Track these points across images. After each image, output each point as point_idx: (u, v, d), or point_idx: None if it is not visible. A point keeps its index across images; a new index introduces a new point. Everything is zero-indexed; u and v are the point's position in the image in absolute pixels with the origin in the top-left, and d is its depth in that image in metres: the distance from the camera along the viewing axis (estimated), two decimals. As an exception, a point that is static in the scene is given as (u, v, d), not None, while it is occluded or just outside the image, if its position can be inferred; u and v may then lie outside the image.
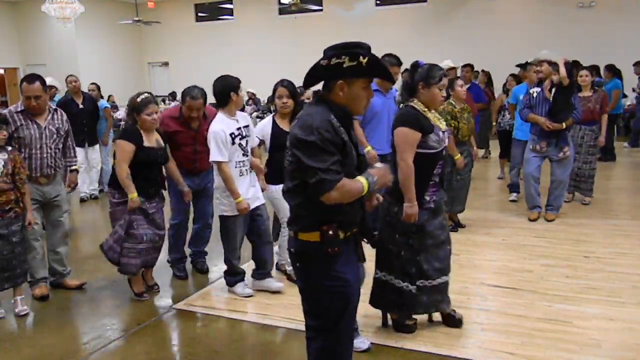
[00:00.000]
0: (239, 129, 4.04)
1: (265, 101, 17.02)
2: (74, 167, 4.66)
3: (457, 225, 5.87)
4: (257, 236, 4.30)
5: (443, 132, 3.34)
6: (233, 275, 4.33)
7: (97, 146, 8.08)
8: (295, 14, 17.12)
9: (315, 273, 2.40)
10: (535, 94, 5.84)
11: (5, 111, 4.16)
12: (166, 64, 20.60)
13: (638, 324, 3.63)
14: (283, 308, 4.01)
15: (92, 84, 8.80)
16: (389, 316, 3.66)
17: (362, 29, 16.72)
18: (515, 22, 14.89)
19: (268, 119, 4.35)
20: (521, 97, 6.43)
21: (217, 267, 4.94)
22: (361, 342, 3.36)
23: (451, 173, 5.41)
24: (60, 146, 4.41)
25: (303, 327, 3.68)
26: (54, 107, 4.38)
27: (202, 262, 4.98)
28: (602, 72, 10.17)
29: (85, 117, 7.72)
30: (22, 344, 3.73)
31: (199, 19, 19.82)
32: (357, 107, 2.37)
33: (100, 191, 8.36)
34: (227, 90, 3.98)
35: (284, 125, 4.23)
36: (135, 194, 3.99)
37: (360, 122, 4.79)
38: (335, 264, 2.37)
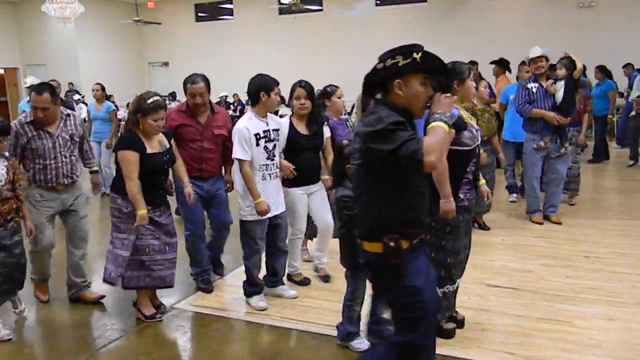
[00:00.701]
0: (266, 131, 3.86)
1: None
2: (94, 169, 4.52)
3: (482, 228, 5.79)
4: (273, 244, 4.12)
5: (476, 129, 3.30)
6: (251, 286, 4.09)
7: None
8: (295, 14, 17.12)
9: (385, 284, 2.37)
10: (534, 89, 5.75)
11: (14, 122, 3.98)
12: (166, 64, 20.60)
13: (638, 323, 3.63)
14: (283, 308, 4.01)
15: (97, 84, 8.49)
16: None
17: (362, 29, 16.75)
18: (515, 22, 14.89)
19: (285, 120, 4.21)
20: (511, 97, 6.34)
21: (217, 267, 4.94)
22: (360, 343, 3.36)
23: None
24: (76, 152, 4.18)
25: (303, 327, 3.72)
26: (66, 112, 4.14)
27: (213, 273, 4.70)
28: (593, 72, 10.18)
29: None
30: (22, 344, 3.73)
31: (199, 19, 19.83)
32: (417, 106, 2.34)
33: (103, 194, 7.81)
34: (258, 89, 3.82)
35: (301, 128, 4.14)
36: (145, 211, 3.62)
37: None
38: (404, 274, 2.31)
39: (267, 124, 3.89)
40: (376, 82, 2.36)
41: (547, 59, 5.79)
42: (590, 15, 14.06)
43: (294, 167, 4.07)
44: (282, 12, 17.87)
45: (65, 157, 4.05)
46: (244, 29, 18.61)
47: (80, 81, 18.21)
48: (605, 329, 3.56)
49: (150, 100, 3.63)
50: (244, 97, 16.57)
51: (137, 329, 3.83)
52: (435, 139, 2.17)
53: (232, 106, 15.97)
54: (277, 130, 3.97)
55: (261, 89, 3.81)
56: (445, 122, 2.22)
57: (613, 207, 6.69)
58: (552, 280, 4.39)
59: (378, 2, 16.95)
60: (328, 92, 4.66)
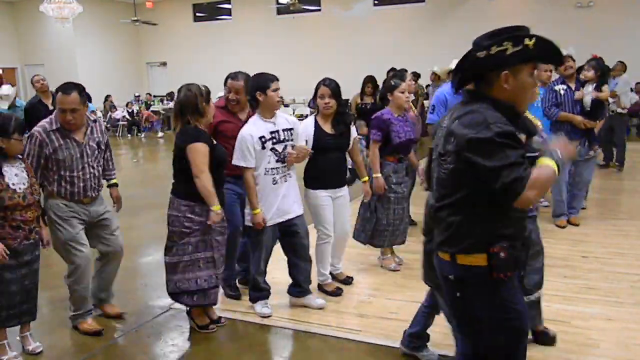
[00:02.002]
0: (273, 132, 3.68)
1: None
2: (113, 180, 4.03)
3: None
4: (292, 252, 3.90)
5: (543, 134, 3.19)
6: (256, 291, 3.93)
7: None
8: (294, 14, 17.14)
9: (481, 304, 2.05)
10: (562, 92, 5.54)
11: (37, 130, 3.52)
12: (164, 64, 20.60)
13: (636, 323, 3.63)
14: (283, 308, 4.01)
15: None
16: None
17: (360, 29, 16.77)
18: (514, 22, 14.64)
19: (310, 120, 4.07)
20: None
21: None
22: (429, 355, 3.33)
23: None
24: (102, 162, 3.82)
25: (303, 327, 3.72)
26: (92, 118, 3.77)
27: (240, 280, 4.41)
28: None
29: None
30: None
31: (197, 19, 19.83)
32: (523, 101, 2.04)
33: None
34: (253, 91, 3.69)
35: (327, 127, 4.01)
36: (219, 206, 3.39)
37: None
38: (505, 293, 2.03)
39: (275, 124, 3.72)
40: (475, 73, 2.03)
41: (572, 59, 5.63)
42: (588, 15, 14.09)
43: (318, 169, 3.97)
44: (280, 12, 17.89)
45: (93, 167, 3.67)
46: (242, 29, 18.62)
47: (78, 81, 18.03)
48: (604, 329, 3.56)
49: (204, 86, 3.47)
50: None
51: (137, 329, 3.82)
52: (543, 176, 1.87)
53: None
54: (289, 130, 3.78)
55: (255, 89, 3.67)
56: (557, 163, 1.93)
57: (612, 207, 6.70)
58: (550, 280, 4.37)
59: (376, 2, 16.97)
60: (391, 86, 4.46)
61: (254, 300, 3.95)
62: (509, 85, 1.95)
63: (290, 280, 4.02)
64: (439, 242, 2.13)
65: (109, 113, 17.26)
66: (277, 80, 3.72)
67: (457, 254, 2.03)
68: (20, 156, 3.32)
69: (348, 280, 4.39)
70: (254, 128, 3.67)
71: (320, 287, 4.25)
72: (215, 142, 3.50)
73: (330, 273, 4.36)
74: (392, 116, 4.42)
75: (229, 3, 19.12)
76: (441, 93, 4.73)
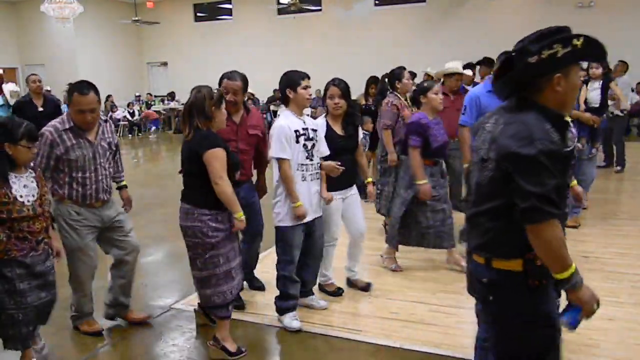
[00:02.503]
0: (304, 129, 3.66)
1: (265, 101, 17.06)
2: (123, 183, 3.94)
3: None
4: (305, 252, 3.79)
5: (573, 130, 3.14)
6: (284, 300, 3.76)
7: None
8: (294, 14, 17.15)
9: (513, 309, 2.04)
10: None
11: (48, 129, 3.39)
12: (165, 64, 20.62)
13: (637, 323, 3.63)
14: (282, 308, 4.01)
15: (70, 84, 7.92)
16: None
17: (361, 28, 16.78)
18: (514, 22, 14.90)
19: (322, 121, 3.98)
20: None
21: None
22: None
23: None
24: (112, 163, 3.73)
25: (304, 327, 3.71)
26: (103, 118, 3.64)
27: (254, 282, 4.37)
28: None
29: (44, 121, 6.95)
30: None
31: (197, 19, 19.85)
32: (572, 102, 2.05)
33: None
34: (283, 88, 3.67)
35: (337, 128, 3.95)
36: (242, 212, 3.21)
37: (469, 129, 4.33)
38: (539, 299, 2.02)
39: (305, 122, 3.70)
40: (525, 79, 1.97)
41: None
42: (589, 15, 14.08)
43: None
44: (280, 12, 17.90)
45: (105, 168, 3.56)
46: (242, 29, 18.63)
47: (42, 82, 18.18)
48: (604, 329, 3.56)
49: (215, 90, 3.34)
50: (260, 96, 16.61)
51: (137, 330, 3.82)
52: (559, 240, 1.87)
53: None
54: (315, 130, 3.75)
55: (286, 86, 3.65)
56: (574, 272, 1.95)
57: (612, 207, 6.69)
58: (551, 280, 4.39)
59: (377, 1, 16.98)
60: (424, 88, 4.39)
61: (282, 312, 3.77)
62: (561, 87, 1.93)
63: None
64: (475, 246, 2.14)
65: (110, 113, 17.27)
66: (308, 77, 3.69)
67: (493, 258, 2.04)
68: (31, 165, 3.13)
69: (367, 288, 4.28)
70: (289, 121, 3.63)
71: (321, 287, 4.24)
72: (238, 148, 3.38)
73: (348, 279, 4.32)
74: (428, 120, 4.33)
75: (230, 3, 19.14)
76: (474, 94, 4.58)
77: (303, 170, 3.66)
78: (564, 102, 1.98)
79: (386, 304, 4.04)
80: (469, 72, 5.85)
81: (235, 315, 3.96)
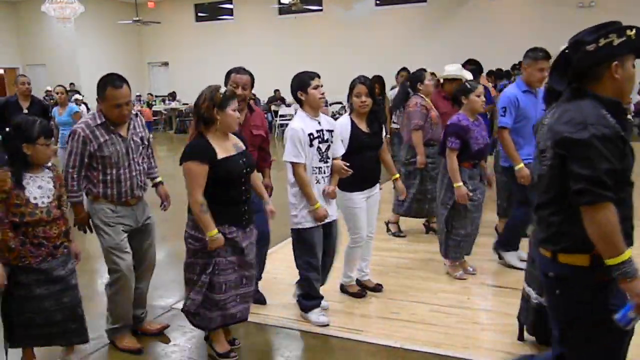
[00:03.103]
0: (319, 131, 3.59)
1: (266, 101, 17.06)
2: (158, 179, 3.76)
3: None
4: (322, 254, 3.74)
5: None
6: (309, 299, 3.76)
7: None
8: (295, 14, 17.15)
9: (581, 304, 2.03)
10: None
11: (80, 126, 3.24)
12: (166, 64, 20.63)
13: (637, 324, 3.62)
14: (283, 308, 4.01)
15: (60, 86, 7.59)
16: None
17: (362, 29, 16.78)
18: (515, 22, 14.91)
19: (346, 119, 3.94)
20: None
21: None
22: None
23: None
24: (146, 158, 3.58)
25: (303, 327, 3.72)
26: (133, 111, 3.49)
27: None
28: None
29: None
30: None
31: (198, 19, 19.86)
32: (629, 91, 2.09)
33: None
34: (295, 91, 3.62)
35: (362, 126, 3.89)
36: (216, 231, 3.01)
37: (509, 130, 4.34)
38: (607, 295, 1.98)
39: (320, 123, 3.63)
40: (582, 69, 2.03)
41: None
42: (590, 15, 14.06)
43: (354, 169, 3.72)
44: (281, 12, 17.90)
45: (139, 164, 3.42)
46: (243, 29, 18.64)
47: (80, 81, 18.21)
48: (605, 329, 3.55)
49: (222, 89, 3.08)
50: (261, 96, 16.60)
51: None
52: (613, 225, 1.86)
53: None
54: (331, 131, 3.68)
55: (297, 89, 3.61)
56: (627, 259, 1.87)
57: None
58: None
59: (378, 2, 16.98)
60: (467, 89, 4.26)
61: (307, 309, 3.78)
62: (619, 75, 2.00)
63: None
64: (541, 239, 2.15)
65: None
66: (318, 77, 3.62)
67: (559, 252, 2.05)
68: (49, 163, 3.02)
69: (378, 288, 4.23)
70: (304, 124, 3.57)
71: (343, 289, 4.19)
72: (225, 155, 3.08)
73: (357, 280, 4.26)
74: (469, 122, 4.21)
75: (231, 3, 19.14)
76: (511, 94, 4.40)
77: (316, 173, 3.62)
78: (622, 90, 2.03)
79: (387, 304, 4.03)
80: (469, 74, 5.76)
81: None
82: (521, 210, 4.47)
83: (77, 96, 15.11)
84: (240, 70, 3.79)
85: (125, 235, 3.40)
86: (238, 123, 3.20)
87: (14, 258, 2.85)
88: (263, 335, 3.74)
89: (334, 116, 15.35)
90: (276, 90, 16.92)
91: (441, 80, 5.64)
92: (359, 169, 3.76)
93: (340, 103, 15.79)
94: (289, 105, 16.56)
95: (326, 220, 3.64)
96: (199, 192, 2.99)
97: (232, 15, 19.23)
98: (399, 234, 5.69)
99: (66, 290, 3.03)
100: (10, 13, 18.79)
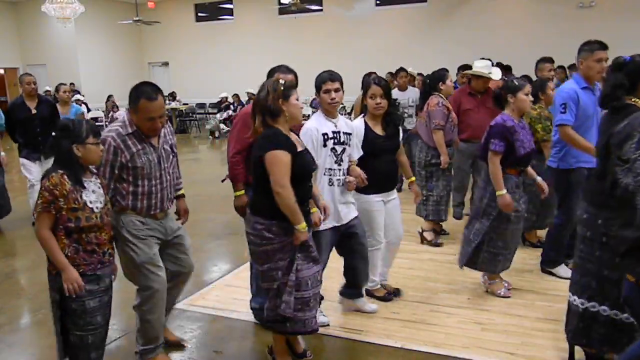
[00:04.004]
0: (335, 132, 3.50)
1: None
2: (181, 191, 3.51)
3: (535, 246, 5.18)
4: (351, 254, 3.67)
5: None
6: None
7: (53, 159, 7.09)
8: (295, 14, 17.14)
9: None
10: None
11: (111, 135, 3.01)
12: (166, 64, 20.62)
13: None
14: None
15: (63, 84, 7.48)
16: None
17: (362, 29, 16.77)
18: (515, 22, 14.91)
19: (359, 122, 3.83)
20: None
21: (217, 267, 4.94)
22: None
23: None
24: (174, 168, 3.36)
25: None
26: None
27: None
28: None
29: (38, 124, 6.43)
30: (24, 343, 3.74)
31: (199, 19, 19.85)
32: None
33: None
34: (316, 91, 3.54)
35: (377, 129, 3.79)
36: (305, 224, 2.88)
37: (571, 127, 4.10)
38: None
39: (336, 125, 3.53)
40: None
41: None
42: (590, 15, 14.06)
43: (371, 172, 3.63)
44: (282, 12, 17.88)
45: (169, 174, 3.22)
46: (244, 29, 18.64)
47: (80, 81, 18.23)
48: (605, 329, 3.55)
49: (281, 80, 2.96)
50: (244, 98, 16.60)
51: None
52: None
53: (232, 106, 15.98)
54: (348, 134, 3.58)
55: (316, 90, 3.54)
56: None
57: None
58: (552, 280, 4.39)
59: (378, 2, 16.97)
60: (515, 87, 3.95)
61: None
62: None
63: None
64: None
65: (111, 113, 17.28)
66: (332, 80, 3.49)
67: None
68: (95, 171, 2.88)
69: (397, 292, 4.18)
70: (319, 123, 3.50)
71: (369, 293, 4.11)
72: (301, 148, 2.97)
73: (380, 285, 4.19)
74: (514, 122, 3.92)
75: (231, 3, 19.13)
76: (572, 91, 4.17)
77: (330, 175, 3.52)
78: None
79: (387, 304, 4.03)
80: (497, 74, 5.70)
81: (236, 315, 3.97)
82: (561, 218, 4.33)
83: (77, 96, 15.16)
84: (284, 68, 3.61)
85: (157, 248, 3.19)
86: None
87: None
88: (265, 335, 3.74)
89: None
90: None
91: (462, 79, 5.60)
92: (375, 172, 3.69)
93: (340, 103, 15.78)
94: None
95: (329, 225, 3.49)
96: (288, 181, 2.80)
97: (232, 15, 19.22)
98: (436, 240, 5.42)
99: (109, 302, 2.88)
100: (10, 13, 18.78)
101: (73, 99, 14.42)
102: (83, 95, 16.31)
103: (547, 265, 4.56)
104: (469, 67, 6.26)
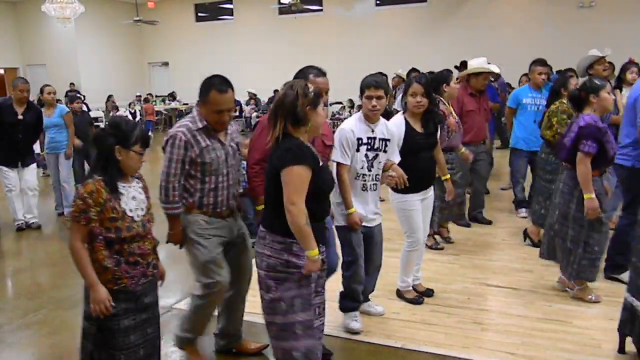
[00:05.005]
0: (370, 139, 3.43)
1: (266, 101, 17.06)
2: (241, 190, 3.40)
3: (536, 246, 5.10)
4: (367, 259, 3.58)
5: None
6: (349, 300, 3.62)
7: (33, 166, 6.62)
8: (295, 14, 17.14)
9: None
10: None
11: (181, 129, 2.96)
12: (166, 64, 20.63)
13: (638, 324, 3.63)
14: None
15: (49, 86, 7.24)
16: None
17: (362, 29, 16.77)
18: (515, 22, 14.90)
19: (399, 119, 3.80)
20: (524, 100, 5.92)
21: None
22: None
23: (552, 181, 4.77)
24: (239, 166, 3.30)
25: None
26: None
27: None
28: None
29: (22, 130, 6.33)
30: (24, 343, 3.74)
31: (199, 19, 19.86)
32: None
33: (60, 214, 7.16)
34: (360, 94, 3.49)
35: (417, 126, 3.77)
36: (317, 251, 2.52)
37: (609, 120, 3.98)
38: None
39: (373, 130, 3.46)
40: None
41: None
42: (590, 15, 14.06)
43: (410, 171, 3.51)
44: (282, 12, 17.89)
45: (235, 172, 3.18)
46: (243, 29, 18.64)
47: (80, 81, 18.23)
48: (605, 329, 3.56)
49: (310, 86, 2.65)
50: (244, 98, 16.61)
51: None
52: None
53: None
54: (385, 140, 3.50)
55: (360, 92, 3.45)
56: None
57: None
58: (552, 280, 4.39)
59: (378, 2, 16.97)
60: (596, 86, 3.82)
61: (345, 309, 3.65)
62: None
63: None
64: None
65: (111, 113, 17.30)
66: (376, 87, 3.38)
67: None
68: (137, 174, 2.65)
69: (429, 293, 4.14)
70: (356, 127, 3.43)
71: (399, 294, 4.12)
72: (321, 162, 2.67)
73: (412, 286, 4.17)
74: (602, 123, 3.79)
75: (231, 3, 19.13)
76: None
77: (364, 180, 3.47)
78: None
79: (387, 304, 4.03)
80: (496, 68, 5.65)
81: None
82: (630, 219, 4.03)
83: (77, 96, 15.17)
84: (317, 70, 3.28)
85: (222, 248, 3.14)
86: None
87: (108, 280, 2.44)
88: (265, 335, 3.73)
89: (334, 116, 15.47)
90: (275, 90, 16.86)
91: (460, 78, 5.50)
92: (415, 170, 3.62)
93: (340, 103, 15.80)
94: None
95: (370, 225, 3.49)
96: (302, 199, 2.50)
97: (232, 15, 19.22)
98: (436, 245, 5.25)
99: (151, 319, 2.64)
100: (10, 13, 18.78)
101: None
102: (83, 96, 16.29)
103: (614, 271, 4.31)
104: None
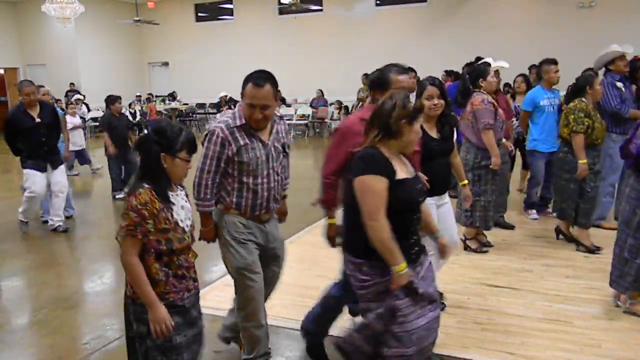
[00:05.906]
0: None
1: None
2: (284, 192, 3.25)
3: (571, 241, 5.17)
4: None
5: None
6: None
7: (62, 167, 6.34)
8: (295, 14, 17.15)
9: None
10: (623, 89, 5.48)
11: (219, 126, 2.83)
12: (166, 64, 20.63)
13: (638, 324, 3.63)
14: (283, 308, 4.01)
15: (43, 86, 7.05)
16: None
17: (362, 29, 16.78)
18: (515, 22, 14.90)
19: None
20: (542, 102, 5.76)
21: (217, 267, 4.94)
22: None
23: (583, 180, 4.83)
24: (284, 168, 3.15)
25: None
26: (277, 114, 3.07)
27: None
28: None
29: (43, 133, 6.06)
30: (24, 343, 3.74)
31: (199, 19, 19.86)
32: None
33: (69, 217, 6.93)
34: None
35: (432, 132, 3.58)
36: (404, 265, 2.43)
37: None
38: None
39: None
40: None
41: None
42: (590, 15, 14.07)
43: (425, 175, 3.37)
44: (282, 12, 17.90)
45: (278, 174, 3.00)
46: (244, 29, 18.64)
47: (80, 81, 18.24)
48: (605, 329, 3.56)
49: (412, 100, 2.52)
50: None
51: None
52: None
53: (232, 107, 15.99)
54: None
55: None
56: None
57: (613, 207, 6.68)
58: (552, 280, 4.39)
59: (378, 2, 16.98)
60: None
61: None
62: None
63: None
64: None
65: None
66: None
67: None
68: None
69: (441, 301, 3.90)
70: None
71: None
72: (404, 176, 2.52)
73: None
74: None
75: (231, 3, 19.14)
76: None
77: None
78: None
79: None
80: (505, 64, 5.60)
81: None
82: None
83: (77, 96, 15.17)
84: (399, 68, 3.03)
85: (258, 253, 3.01)
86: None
87: (157, 295, 2.29)
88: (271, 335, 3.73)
89: (332, 116, 15.47)
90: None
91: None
92: (429, 176, 3.40)
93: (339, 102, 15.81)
94: (289, 105, 16.56)
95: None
96: (384, 214, 2.38)
97: (232, 15, 19.23)
98: (480, 249, 5.14)
99: (198, 336, 2.49)
100: (10, 13, 18.79)
101: (73, 99, 14.47)
102: (83, 96, 16.30)
103: None
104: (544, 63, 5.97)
